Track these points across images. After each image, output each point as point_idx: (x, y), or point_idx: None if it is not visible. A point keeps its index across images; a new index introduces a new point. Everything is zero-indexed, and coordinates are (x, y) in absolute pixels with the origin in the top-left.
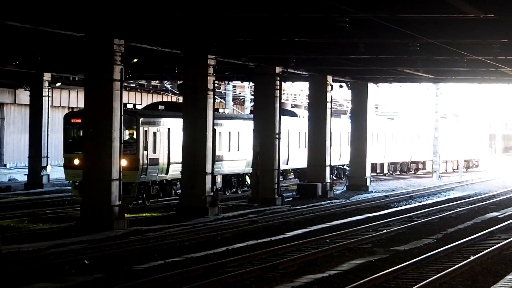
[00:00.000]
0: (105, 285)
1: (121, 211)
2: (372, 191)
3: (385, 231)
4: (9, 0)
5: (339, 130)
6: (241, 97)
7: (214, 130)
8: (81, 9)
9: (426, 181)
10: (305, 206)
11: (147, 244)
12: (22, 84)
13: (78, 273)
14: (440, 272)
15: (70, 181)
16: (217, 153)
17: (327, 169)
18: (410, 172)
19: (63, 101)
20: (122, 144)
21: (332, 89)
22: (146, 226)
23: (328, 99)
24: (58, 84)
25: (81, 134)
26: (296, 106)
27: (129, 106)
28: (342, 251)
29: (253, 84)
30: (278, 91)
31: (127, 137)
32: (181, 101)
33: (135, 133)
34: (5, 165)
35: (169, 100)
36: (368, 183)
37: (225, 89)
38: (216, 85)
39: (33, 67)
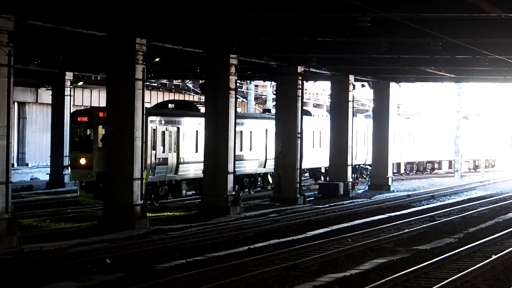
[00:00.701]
0: (126, 284)
1: (143, 210)
2: (394, 190)
3: (407, 230)
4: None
5: (354, 129)
6: (263, 97)
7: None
8: (103, 8)
9: (448, 181)
10: (327, 205)
11: (168, 243)
12: (44, 83)
13: (100, 272)
14: (461, 271)
15: (76, 182)
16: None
17: (349, 169)
18: (426, 172)
19: (85, 100)
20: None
21: (354, 88)
22: (167, 225)
23: (350, 99)
24: (80, 83)
25: (88, 133)
26: (318, 105)
27: None
28: (364, 251)
29: (275, 83)
30: (300, 90)
31: None
32: (192, 99)
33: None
34: (27, 164)
35: (190, 99)
36: (390, 183)
37: (247, 89)
38: (238, 84)
39: (55, 66)
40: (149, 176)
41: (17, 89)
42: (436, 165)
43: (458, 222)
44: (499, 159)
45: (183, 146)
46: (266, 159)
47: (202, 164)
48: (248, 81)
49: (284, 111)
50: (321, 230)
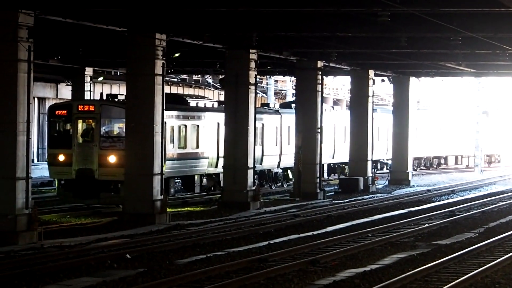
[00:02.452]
0: (147, 279)
1: (163, 206)
2: (414, 185)
3: (427, 225)
4: None
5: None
6: (282, 92)
7: (218, 125)
8: (123, 3)
9: (467, 175)
10: (347, 200)
11: (188, 238)
12: (64, 79)
13: (120, 267)
14: (482, 266)
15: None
16: (221, 149)
17: (369, 163)
18: (433, 168)
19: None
20: (112, 140)
21: (374, 83)
22: (187, 220)
23: (370, 94)
24: (100, 78)
25: (67, 127)
26: (338, 100)
27: (121, 97)
28: (384, 245)
29: (295, 78)
30: (320, 85)
31: (118, 131)
32: (180, 92)
33: (124, 126)
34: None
35: (210, 94)
36: (410, 177)
37: (267, 84)
38: (257, 79)
39: (75, 61)
40: None
41: (37, 84)
42: (442, 161)
43: (479, 216)
44: (504, 154)
45: (168, 141)
46: (262, 156)
47: (188, 160)
48: (268, 76)
49: (304, 106)
50: (341, 225)
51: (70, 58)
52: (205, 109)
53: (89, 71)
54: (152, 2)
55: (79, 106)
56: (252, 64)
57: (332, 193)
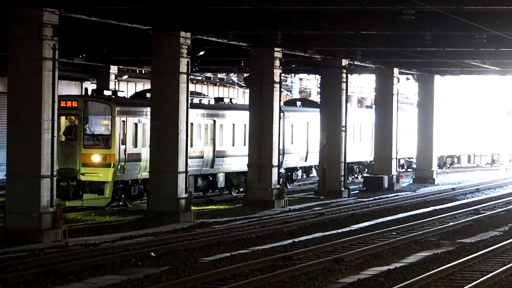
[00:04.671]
0: (171, 277)
1: (188, 204)
2: (438, 183)
3: (451, 223)
4: None
5: (370, 122)
6: (307, 90)
7: (214, 122)
8: (147, 2)
9: (492, 174)
10: (372, 198)
11: (213, 236)
12: (89, 77)
13: (145, 265)
14: (506, 264)
15: None
16: (217, 148)
17: (394, 162)
18: (445, 167)
19: (129, 94)
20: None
21: (398, 81)
22: (212, 218)
23: (395, 92)
24: (125, 77)
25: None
26: (362, 98)
27: (107, 93)
28: (409, 244)
29: (319, 76)
30: (345, 83)
31: (101, 129)
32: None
33: (110, 124)
34: None
35: (235, 92)
36: (434, 176)
37: (292, 82)
38: (282, 77)
39: (100, 60)
40: (117, 174)
41: (61, 82)
42: (455, 160)
43: (503, 215)
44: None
45: None
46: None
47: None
48: (293, 75)
49: (329, 104)
50: (366, 223)
51: (95, 56)
52: (201, 106)
53: (114, 69)
54: (177, 1)
55: (61, 102)
56: (277, 63)
57: (357, 191)
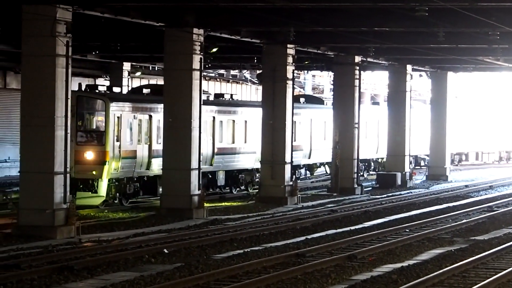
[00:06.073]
0: (184, 274)
1: (201, 201)
2: (451, 180)
3: (464, 220)
4: None
5: (376, 119)
6: (320, 87)
7: (213, 119)
8: None
9: (507, 171)
10: (384, 195)
11: (226, 233)
12: (102, 74)
13: (158, 262)
14: None
15: None
16: (217, 145)
17: (407, 159)
18: (453, 164)
19: None
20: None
21: (411, 78)
22: (225, 215)
23: (408, 89)
24: (138, 73)
25: None
26: (375, 95)
27: (101, 88)
28: (422, 241)
29: (332, 73)
30: (358, 80)
31: (95, 125)
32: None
33: (104, 120)
34: None
35: (248, 89)
36: (447, 173)
37: (304, 79)
38: (295, 74)
39: (113, 56)
40: (112, 172)
41: (75, 79)
42: (463, 157)
43: None
44: None
45: (158, 135)
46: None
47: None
48: (305, 71)
49: (342, 101)
50: (379, 221)
51: (108, 53)
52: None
53: (127, 66)
54: None
55: None
56: (290, 59)
57: (370, 188)
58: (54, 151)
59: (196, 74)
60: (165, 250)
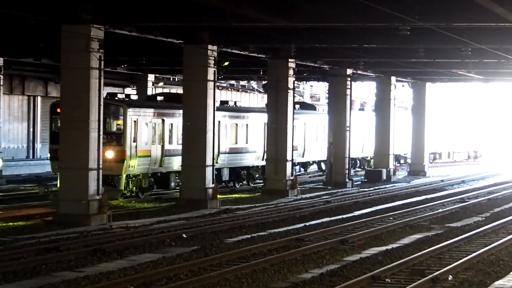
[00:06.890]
0: (200, 255)
1: (214, 193)
2: (429, 176)
3: (440, 210)
4: (120, 12)
5: (362, 123)
6: (316, 95)
7: (219, 123)
8: (180, 20)
9: (475, 168)
10: (372, 188)
11: (236, 220)
12: (130, 84)
13: (177, 245)
14: (488, 245)
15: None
16: (222, 146)
17: (391, 157)
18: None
19: None
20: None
21: (395, 88)
22: (235, 205)
23: (392, 97)
24: (161, 84)
25: None
26: (364, 102)
27: (120, 96)
28: (404, 227)
29: (327, 83)
30: (349, 89)
31: (114, 128)
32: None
33: (122, 124)
34: None
35: (254, 97)
36: (426, 169)
37: (303, 88)
38: (295, 84)
39: (139, 69)
40: (129, 169)
41: (106, 89)
42: (437, 156)
43: (485, 203)
44: (482, 151)
45: (170, 137)
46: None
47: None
48: (304, 82)
49: (335, 108)
50: (367, 210)
51: (135, 66)
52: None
53: (151, 77)
54: (205, 19)
55: None
56: (291, 72)
57: (359, 182)
58: (89, 150)
59: (210, 84)
60: (184, 235)
